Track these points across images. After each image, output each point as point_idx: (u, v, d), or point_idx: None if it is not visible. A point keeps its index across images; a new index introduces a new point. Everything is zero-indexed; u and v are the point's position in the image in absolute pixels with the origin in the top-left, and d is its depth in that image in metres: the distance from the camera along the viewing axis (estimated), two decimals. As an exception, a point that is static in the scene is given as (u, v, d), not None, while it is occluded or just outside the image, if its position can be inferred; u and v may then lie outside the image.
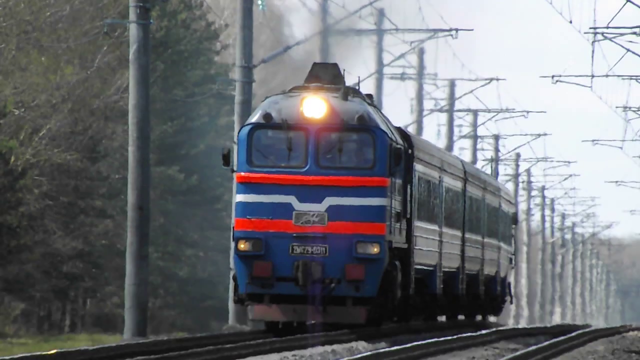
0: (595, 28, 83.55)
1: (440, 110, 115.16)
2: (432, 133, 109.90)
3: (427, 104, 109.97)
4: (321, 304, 40.60)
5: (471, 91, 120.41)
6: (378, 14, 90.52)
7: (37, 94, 78.31)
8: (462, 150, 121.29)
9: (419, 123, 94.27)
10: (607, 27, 78.07)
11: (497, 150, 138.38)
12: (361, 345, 37.90)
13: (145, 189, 53.16)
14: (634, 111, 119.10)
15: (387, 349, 36.30)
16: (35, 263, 74.08)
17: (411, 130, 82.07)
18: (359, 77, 49.46)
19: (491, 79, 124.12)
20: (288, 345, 36.71)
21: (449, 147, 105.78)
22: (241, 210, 41.64)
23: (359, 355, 31.98)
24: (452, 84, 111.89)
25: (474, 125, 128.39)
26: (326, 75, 42.83)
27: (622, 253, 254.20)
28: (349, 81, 47.67)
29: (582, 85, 79.74)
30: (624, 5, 79.55)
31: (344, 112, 41.34)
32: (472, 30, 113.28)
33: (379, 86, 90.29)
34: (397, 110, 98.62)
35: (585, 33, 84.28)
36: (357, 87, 47.23)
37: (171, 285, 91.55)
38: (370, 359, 31.95)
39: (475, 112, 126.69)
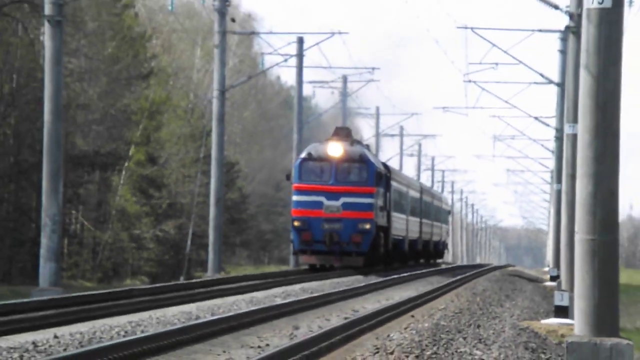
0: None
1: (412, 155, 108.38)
2: (410, 168, 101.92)
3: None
4: (338, 255, 36.82)
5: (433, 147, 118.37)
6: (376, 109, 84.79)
7: (249, 162, 78.64)
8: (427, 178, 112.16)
9: (401, 163, 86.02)
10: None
11: (443, 178, 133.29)
12: (360, 277, 34.97)
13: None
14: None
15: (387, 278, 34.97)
16: (252, 234, 74.41)
17: (396, 165, 76.20)
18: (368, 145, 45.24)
19: (433, 135, 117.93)
20: (320, 276, 34.20)
21: (418, 176, 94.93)
22: (295, 204, 37.40)
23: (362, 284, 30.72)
24: (419, 144, 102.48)
25: (432, 164, 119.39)
26: (342, 132, 39.66)
27: (507, 233, 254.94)
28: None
29: (461, 114, 71.37)
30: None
31: (351, 152, 37.72)
32: (435, 135, 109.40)
33: (378, 143, 79.91)
34: (390, 156, 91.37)
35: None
36: (361, 141, 44.64)
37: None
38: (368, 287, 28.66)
39: (433, 157, 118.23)
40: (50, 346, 13.92)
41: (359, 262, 36.12)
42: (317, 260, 36.75)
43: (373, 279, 32.56)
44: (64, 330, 15.62)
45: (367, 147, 42.69)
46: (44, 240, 27.19)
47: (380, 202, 38.29)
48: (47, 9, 27.19)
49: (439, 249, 64.66)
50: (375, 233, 36.91)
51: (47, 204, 27.21)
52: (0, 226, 42.68)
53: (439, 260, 69.05)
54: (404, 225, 46.73)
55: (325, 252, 36.22)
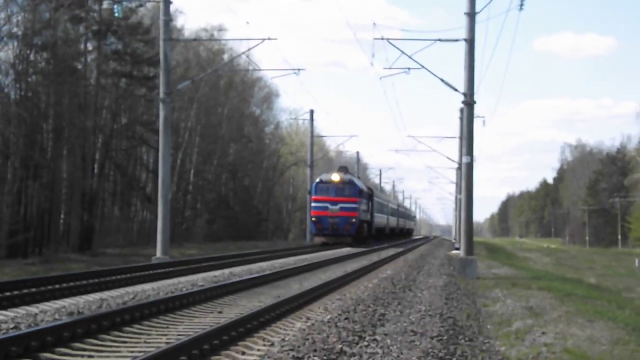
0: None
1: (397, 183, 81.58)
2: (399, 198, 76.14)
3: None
4: (337, 236, 29.86)
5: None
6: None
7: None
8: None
9: (381, 187, 65.49)
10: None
11: (416, 203, 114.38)
12: (349, 248, 28.45)
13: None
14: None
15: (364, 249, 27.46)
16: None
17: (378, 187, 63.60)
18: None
19: (390, 168, 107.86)
20: (329, 248, 27.94)
21: (404, 200, 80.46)
22: (313, 208, 30.35)
23: (350, 252, 24.39)
24: (403, 191, 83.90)
25: (410, 197, 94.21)
26: (342, 169, 32.04)
27: (442, 225, 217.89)
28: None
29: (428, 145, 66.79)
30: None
31: (345, 178, 30.59)
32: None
33: (380, 188, 63.45)
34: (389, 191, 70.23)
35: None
36: (352, 173, 36.07)
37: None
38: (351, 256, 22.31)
39: (411, 195, 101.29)
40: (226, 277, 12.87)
41: (349, 240, 30.18)
42: (326, 240, 30.35)
43: (360, 249, 27.27)
44: (239, 269, 15.15)
45: (358, 177, 37.03)
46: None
47: (363, 207, 31.82)
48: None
49: (410, 232, 61.19)
50: (360, 224, 30.87)
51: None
52: (231, 217, 42.72)
53: (413, 236, 65.29)
54: (385, 220, 40.80)
55: (330, 235, 30.13)
